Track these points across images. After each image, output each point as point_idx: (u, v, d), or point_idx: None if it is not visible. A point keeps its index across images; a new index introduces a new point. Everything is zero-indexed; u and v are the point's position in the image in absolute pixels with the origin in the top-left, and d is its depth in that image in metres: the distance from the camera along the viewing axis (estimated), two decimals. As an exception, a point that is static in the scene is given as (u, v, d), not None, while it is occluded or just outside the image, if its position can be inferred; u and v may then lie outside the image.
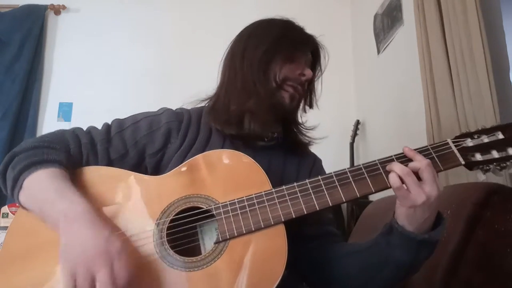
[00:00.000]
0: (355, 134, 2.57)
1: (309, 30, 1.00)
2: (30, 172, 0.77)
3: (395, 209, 0.77)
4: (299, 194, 0.77)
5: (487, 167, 0.77)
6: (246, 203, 0.77)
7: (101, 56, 2.86)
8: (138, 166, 0.90)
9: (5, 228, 1.96)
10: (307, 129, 1.01)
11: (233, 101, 0.92)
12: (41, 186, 0.76)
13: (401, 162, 0.76)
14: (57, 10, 2.91)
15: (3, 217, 2.04)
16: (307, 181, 0.79)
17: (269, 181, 0.80)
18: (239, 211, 0.76)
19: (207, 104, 1.01)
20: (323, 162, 1.06)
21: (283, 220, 0.75)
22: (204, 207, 0.78)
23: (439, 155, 0.78)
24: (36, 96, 2.75)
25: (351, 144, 2.55)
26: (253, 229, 0.75)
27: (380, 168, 0.77)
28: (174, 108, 0.99)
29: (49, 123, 2.74)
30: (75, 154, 0.86)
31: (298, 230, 0.83)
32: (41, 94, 2.79)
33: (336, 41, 2.34)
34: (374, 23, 2.48)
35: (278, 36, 0.94)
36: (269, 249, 0.74)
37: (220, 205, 0.78)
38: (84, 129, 0.92)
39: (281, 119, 0.96)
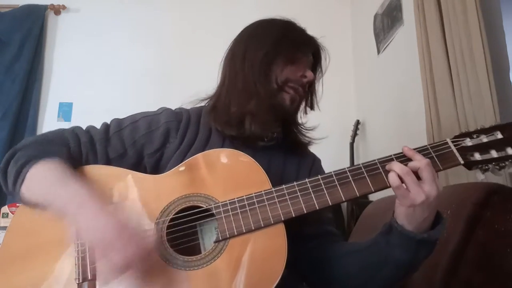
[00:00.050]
0: (355, 134, 2.57)
1: (309, 30, 1.00)
2: (32, 164, 0.78)
3: (394, 209, 0.77)
4: (299, 194, 0.77)
5: (486, 167, 0.77)
6: (246, 202, 0.77)
7: (101, 56, 2.86)
8: (137, 166, 0.90)
9: (5, 228, 1.95)
10: (306, 129, 1.02)
11: (233, 102, 0.92)
12: (44, 175, 0.77)
13: (401, 162, 0.76)
14: (57, 10, 2.91)
15: (3, 217, 2.04)
16: (307, 180, 0.79)
17: (269, 180, 0.80)
18: (239, 210, 0.76)
19: (207, 104, 1.01)
20: (323, 162, 1.06)
21: (283, 219, 0.75)
22: (204, 206, 0.78)
23: (438, 155, 0.78)
24: (36, 96, 2.75)
25: (351, 144, 2.55)
26: (253, 228, 0.75)
27: (380, 167, 0.78)
28: (173, 108, 0.99)
29: (49, 123, 2.74)
30: (74, 152, 0.86)
31: (298, 229, 0.83)
32: (41, 94, 2.79)
33: (336, 41, 2.34)
34: (374, 23, 2.48)
35: (279, 37, 0.94)
36: (269, 249, 0.74)
37: (220, 204, 0.78)
38: (84, 128, 0.92)
39: (281, 119, 0.96)
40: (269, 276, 0.71)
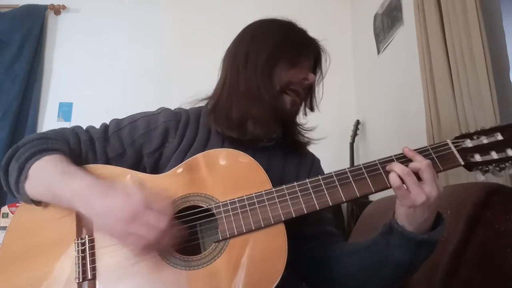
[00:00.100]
0: (355, 134, 2.57)
1: (309, 30, 1.00)
2: (35, 160, 0.78)
3: (395, 209, 0.77)
4: (299, 194, 0.77)
5: (486, 168, 0.78)
6: (246, 202, 0.77)
7: (101, 56, 2.86)
8: (137, 166, 0.90)
9: (5, 228, 1.95)
10: (306, 129, 1.02)
11: (235, 104, 0.91)
12: (49, 169, 0.77)
13: (401, 163, 0.76)
14: (57, 10, 2.91)
15: (3, 217, 2.04)
16: (307, 180, 0.79)
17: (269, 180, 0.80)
18: (239, 210, 0.76)
19: (206, 104, 1.00)
20: (323, 162, 1.06)
21: (283, 219, 0.75)
22: (204, 206, 0.78)
23: (438, 156, 0.78)
24: (36, 96, 2.76)
25: (351, 144, 2.55)
26: (253, 228, 0.75)
27: (380, 168, 0.78)
28: (173, 108, 0.99)
29: (49, 123, 2.74)
30: (74, 150, 0.87)
31: (298, 229, 0.83)
32: (41, 94, 2.79)
33: (336, 41, 2.34)
34: (374, 23, 2.48)
35: (281, 39, 0.94)
36: (269, 249, 0.74)
37: (220, 204, 0.78)
38: (84, 128, 0.92)
39: (281, 121, 0.96)
40: (269, 276, 0.71)
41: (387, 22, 2.27)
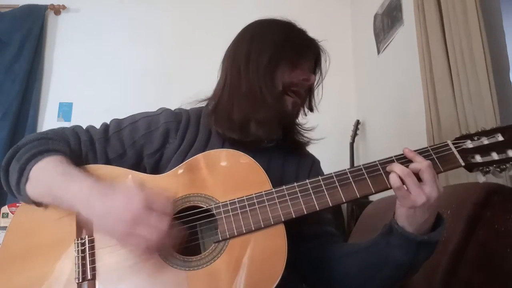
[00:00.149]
0: (355, 134, 2.57)
1: (309, 30, 1.00)
2: (36, 161, 0.78)
3: (395, 210, 0.77)
4: (299, 194, 0.77)
5: (487, 169, 0.78)
6: (246, 203, 0.77)
7: (101, 56, 2.86)
8: (137, 166, 0.90)
9: (5, 228, 1.95)
10: (305, 129, 1.01)
11: (237, 106, 0.91)
12: (49, 171, 0.77)
13: (401, 163, 0.76)
14: (57, 10, 2.91)
15: (3, 217, 2.04)
16: (307, 181, 0.79)
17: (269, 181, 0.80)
18: (239, 211, 0.76)
19: (207, 105, 1.00)
20: (323, 162, 1.06)
21: (283, 220, 0.75)
22: (204, 206, 0.78)
23: (439, 157, 0.78)
24: (36, 96, 2.76)
25: (351, 144, 2.55)
26: (253, 228, 0.75)
27: (380, 168, 0.78)
28: (173, 109, 0.99)
29: (49, 123, 2.74)
30: (75, 150, 0.86)
31: (298, 230, 0.83)
32: (41, 94, 2.79)
33: (336, 41, 2.34)
34: (374, 23, 2.48)
35: (282, 40, 0.93)
36: (269, 249, 0.74)
37: (220, 204, 0.78)
38: (84, 127, 0.92)
39: (282, 123, 0.96)
40: (269, 277, 0.71)
41: (387, 22, 2.27)
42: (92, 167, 0.85)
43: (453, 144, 0.79)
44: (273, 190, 0.78)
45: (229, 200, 0.78)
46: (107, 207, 0.69)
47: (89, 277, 0.73)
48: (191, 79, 2.31)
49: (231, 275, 0.72)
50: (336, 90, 2.75)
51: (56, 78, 2.85)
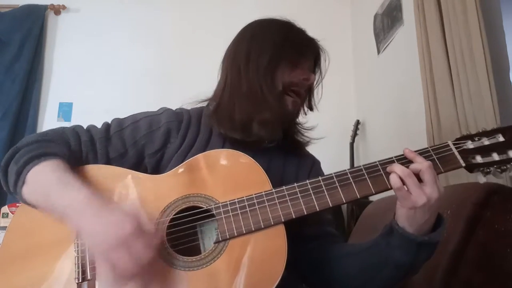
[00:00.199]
0: (355, 134, 2.57)
1: (309, 30, 1.00)
2: (33, 165, 0.77)
3: (395, 210, 0.77)
4: (299, 195, 0.77)
5: (488, 170, 0.77)
6: (246, 203, 0.77)
7: (101, 56, 2.86)
8: (138, 166, 0.90)
9: (5, 228, 1.95)
10: (305, 129, 1.01)
11: (238, 106, 0.91)
12: (45, 178, 0.76)
13: (402, 164, 0.76)
14: (57, 10, 2.91)
15: (3, 217, 2.04)
16: (307, 181, 0.79)
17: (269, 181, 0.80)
18: (239, 211, 0.76)
19: (208, 105, 1.00)
20: (323, 162, 1.06)
21: (283, 220, 0.75)
22: (204, 206, 0.78)
23: (439, 157, 0.78)
24: (36, 96, 2.75)
25: (351, 144, 2.55)
26: (253, 229, 0.75)
27: (381, 169, 0.77)
28: (174, 108, 0.99)
29: (49, 123, 2.74)
30: (75, 151, 0.86)
31: (298, 230, 0.83)
32: (41, 94, 2.79)
33: (336, 41, 2.34)
34: (374, 23, 2.48)
35: (281, 40, 0.94)
36: (269, 249, 0.74)
37: (220, 204, 0.78)
38: (84, 127, 0.92)
39: (283, 123, 0.96)
40: (269, 277, 0.71)
41: (387, 22, 2.27)
42: (93, 167, 0.85)
43: (454, 144, 0.79)
44: (273, 190, 0.78)
45: (229, 201, 0.78)
46: (96, 227, 0.68)
47: (89, 277, 0.73)
48: (191, 79, 2.32)
49: (231, 276, 0.72)
50: (336, 90, 2.75)
51: (56, 78, 2.85)
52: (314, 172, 1.00)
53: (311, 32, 1.00)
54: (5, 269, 0.77)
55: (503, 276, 0.91)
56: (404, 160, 0.77)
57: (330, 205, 0.76)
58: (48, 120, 2.76)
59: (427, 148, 0.79)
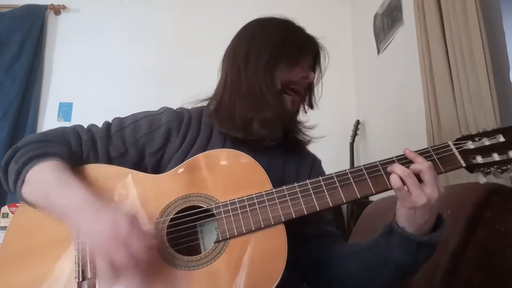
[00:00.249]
0: (355, 134, 2.57)
1: (309, 30, 1.00)
2: (32, 165, 0.78)
3: (395, 210, 0.77)
4: (299, 195, 0.77)
5: (488, 170, 0.77)
6: (246, 203, 0.77)
7: (101, 56, 2.86)
8: (138, 165, 0.90)
9: (5, 228, 1.95)
10: (306, 128, 1.02)
11: (238, 105, 0.91)
12: (45, 177, 0.77)
13: (402, 164, 0.76)
14: (57, 10, 2.91)
15: (3, 217, 2.04)
16: (307, 181, 0.79)
17: (270, 181, 0.80)
18: (239, 211, 0.76)
19: (208, 104, 1.00)
20: (323, 162, 1.06)
21: (283, 220, 0.75)
22: (204, 206, 0.78)
23: (440, 157, 0.78)
24: (36, 96, 2.75)
25: (351, 144, 2.55)
26: (253, 228, 0.75)
27: (381, 169, 0.77)
28: (174, 108, 0.99)
29: (49, 123, 2.74)
30: (76, 151, 0.86)
31: (298, 230, 0.83)
32: (41, 94, 2.79)
33: (336, 41, 2.35)
34: (374, 23, 2.48)
35: (281, 39, 0.94)
36: (269, 249, 0.74)
37: (220, 204, 0.78)
38: (85, 127, 0.92)
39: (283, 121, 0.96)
40: (269, 277, 0.71)
41: (387, 22, 2.27)
42: (93, 166, 0.85)
43: (454, 144, 0.79)
44: (274, 190, 0.78)
45: (229, 200, 0.78)
46: (95, 227, 0.69)
47: (89, 276, 0.73)
48: (191, 79, 2.31)
49: (231, 275, 0.72)
50: (336, 90, 2.75)
51: (56, 78, 2.85)
52: (315, 171, 1.00)
53: (311, 32, 1.00)
54: (5, 269, 0.77)
55: (503, 276, 0.91)
56: (405, 160, 0.77)
57: (331, 205, 0.77)
58: (48, 120, 2.76)
59: (428, 148, 0.79)
